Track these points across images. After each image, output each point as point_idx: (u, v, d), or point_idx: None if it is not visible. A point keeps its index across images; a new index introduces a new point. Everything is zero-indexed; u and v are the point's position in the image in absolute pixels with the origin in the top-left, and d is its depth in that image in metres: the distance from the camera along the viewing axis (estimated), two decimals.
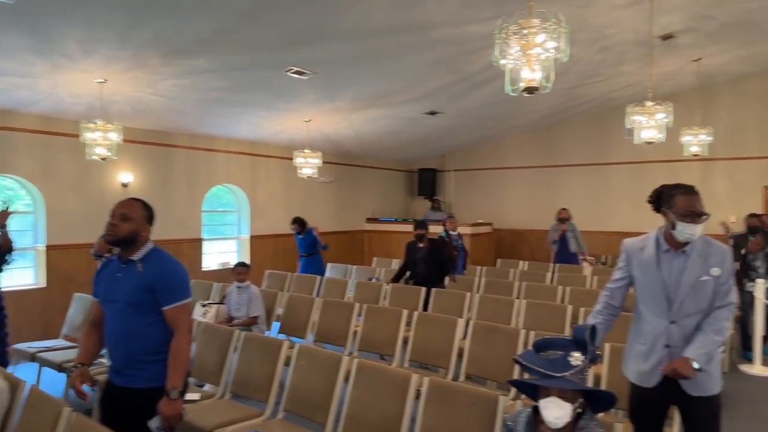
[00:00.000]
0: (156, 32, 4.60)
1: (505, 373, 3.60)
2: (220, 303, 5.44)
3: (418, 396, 2.84)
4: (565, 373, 2.00)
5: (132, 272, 2.46)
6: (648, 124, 5.29)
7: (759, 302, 5.76)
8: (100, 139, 5.58)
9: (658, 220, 2.59)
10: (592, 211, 9.63)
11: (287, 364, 3.50)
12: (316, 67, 5.75)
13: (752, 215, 6.45)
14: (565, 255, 8.52)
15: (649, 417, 2.62)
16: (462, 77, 6.57)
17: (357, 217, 10.87)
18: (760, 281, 5.82)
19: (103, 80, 5.42)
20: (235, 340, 3.82)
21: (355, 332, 4.73)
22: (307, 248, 7.69)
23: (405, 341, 4.42)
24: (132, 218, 2.47)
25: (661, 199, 2.55)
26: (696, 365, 2.37)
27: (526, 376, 2.20)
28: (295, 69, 5.71)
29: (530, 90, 2.94)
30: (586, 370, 2.13)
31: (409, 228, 6.28)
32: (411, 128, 8.88)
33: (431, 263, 5.80)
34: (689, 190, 2.49)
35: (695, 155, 7.63)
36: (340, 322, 4.84)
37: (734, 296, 2.53)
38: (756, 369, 5.55)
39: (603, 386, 3.31)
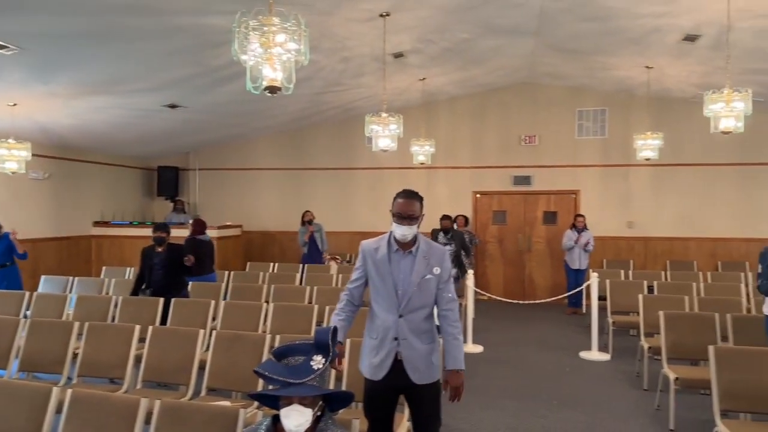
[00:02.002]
0: None
1: (251, 383, 3.47)
2: None
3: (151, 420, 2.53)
4: (307, 379, 1.97)
5: None
6: (383, 134, 5.74)
7: (470, 290, 6.76)
8: None
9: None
10: (338, 212, 10.13)
11: None
12: (23, 41, 4.78)
13: (446, 217, 7.50)
14: (315, 255, 8.85)
15: (381, 408, 2.78)
16: (205, 70, 6.22)
17: (81, 221, 9.46)
18: (470, 272, 6.83)
19: None
20: None
21: (77, 355, 4.07)
22: (0, 257, 6.42)
23: (138, 360, 3.96)
24: None
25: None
26: (462, 367, 2.73)
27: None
28: None
29: (272, 89, 2.87)
30: (326, 371, 2.14)
31: (148, 232, 5.69)
32: (148, 121, 8.08)
33: (170, 269, 5.33)
34: (406, 195, 2.72)
35: (422, 164, 8.62)
36: (55, 346, 4.09)
37: (454, 292, 2.88)
38: (469, 347, 6.47)
39: (344, 381, 3.44)
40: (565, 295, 8.28)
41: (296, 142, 10.57)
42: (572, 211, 9.51)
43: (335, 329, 2.16)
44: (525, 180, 9.84)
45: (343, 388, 3.46)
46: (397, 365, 2.70)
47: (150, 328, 4.03)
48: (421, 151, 8.49)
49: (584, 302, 8.41)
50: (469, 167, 10.04)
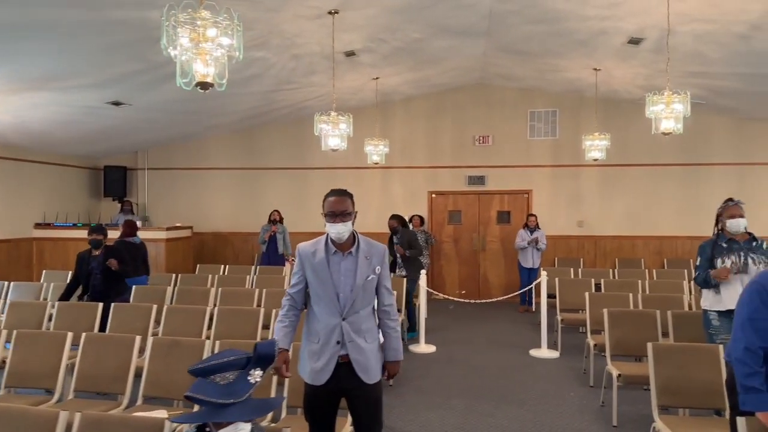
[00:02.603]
0: None
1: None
2: None
3: None
4: (247, 395, 1.87)
5: None
6: (333, 133, 5.66)
7: (422, 290, 6.75)
8: None
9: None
10: (293, 212, 9.94)
11: None
12: None
13: (394, 217, 7.41)
14: (274, 257, 8.68)
15: (323, 412, 2.73)
16: (149, 66, 6.00)
17: (22, 223, 9.01)
18: (423, 272, 6.82)
19: None
20: None
21: (5, 364, 3.86)
22: None
23: (73, 369, 3.78)
24: None
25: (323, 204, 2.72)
26: (401, 357, 2.81)
27: None
28: None
29: (203, 86, 2.76)
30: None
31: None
32: (92, 119, 7.76)
33: (109, 273, 5.11)
34: (336, 194, 2.69)
35: (376, 164, 8.58)
36: None
37: (390, 284, 2.85)
38: (421, 348, 6.47)
39: (286, 385, 3.35)
40: (517, 293, 8.38)
41: (249, 141, 10.36)
42: (525, 211, 9.64)
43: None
44: (479, 180, 9.92)
45: (285, 392, 3.38)
46: (341, 368, 2.64)
47: (83, 334, 3.84)
48: (375, 150, 8.47)
49: (534, 300, 8.53)
50: (425, 167, 10.05)
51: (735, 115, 9.08)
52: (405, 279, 6.60)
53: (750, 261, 3.92)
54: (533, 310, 8.49)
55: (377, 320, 2.80)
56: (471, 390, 5.05)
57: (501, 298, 8.07)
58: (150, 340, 3.72)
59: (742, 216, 3.96)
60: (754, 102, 8.17)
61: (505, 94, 9.75)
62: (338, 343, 2.63)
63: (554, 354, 6.24)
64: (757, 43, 5.66)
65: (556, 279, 6.60)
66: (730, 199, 4.07)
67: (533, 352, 6.32)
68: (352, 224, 2.69)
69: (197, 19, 2.60)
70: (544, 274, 6.62)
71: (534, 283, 7.49)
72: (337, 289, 2.64)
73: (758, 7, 4.88)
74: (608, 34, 6.19)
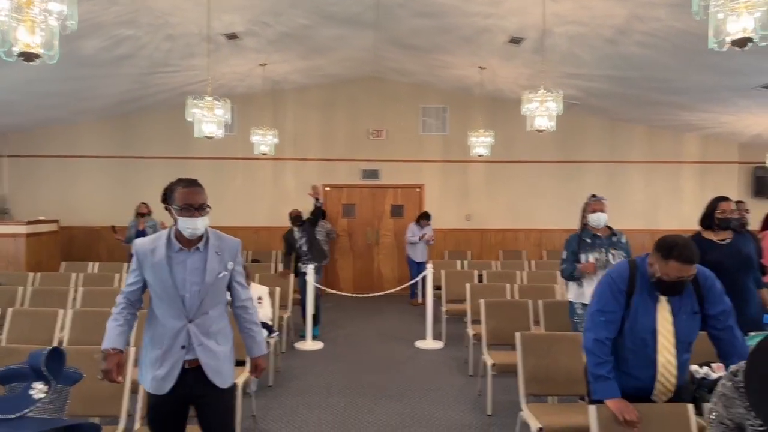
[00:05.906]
0: None
1: None
2: None
3: None
4: (24, 412, 1.59)
5: None
6: (209, 119, 5.31)
7: (309, 285, 6.57)
8: None
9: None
10: None
11: None
12: None
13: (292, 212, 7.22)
14: None
15: (170, 423, 2.49)
16: None
17: None
18: (310, 266, 6.63)
19: None
20: None
21: None
22: None
23: None
24: None
25: (167, 195, 2.45)
26: (266, 351, 2.68)
27: None
28: None
29: (28, 57, 2.40)
30: (64, 399, 1.78)
31: None
32: None
33: None
34: (190, 184, 2.44)
35: (264, 154, 8.26)
36: None
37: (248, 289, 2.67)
38: (307, 345, 6.30)
39: (140, 394, 3.06)
40: (406, 285, 8.42)
41: (126, 127, 9.59)
42: (417, 205, 9.76)
43: (58, 352, 1.80)
44: (373, 174, 9.90)
45: (139, 401, 3.07)
46: (187, 374, 2.42)
47: None
48: (264, 140, 8.14)
49: (419, 293, 8.65)
50: (318, 159, 9.86)
51: (606, 116, 9.75)
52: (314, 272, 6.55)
53: (610, 257, 4.13)
54: (420, 302, 8.60)
55: (238, 318, 2.64)
56: (353, 386, 4.96)
57: (391, 291, 8.09)
58: None
59: (602, 211, 4.17)
60: (622, 104, 8.81)
61: (399, 89, 9.78)
62: (183, 347, 2.41)
63: (439, 345, 6.33)
64: (623, 47, 6.05)
65: (442, 272, 6.70)
66: (593, 195, 4.28)
67: (419, 344, 6.37)
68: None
69: None
70: (429, 267, 6.69)
71: (420, 276, 7.58)
72: (181, 290, 2.39)
73: (623, 12, 5.20)
74: (491, 32, 6.34)
